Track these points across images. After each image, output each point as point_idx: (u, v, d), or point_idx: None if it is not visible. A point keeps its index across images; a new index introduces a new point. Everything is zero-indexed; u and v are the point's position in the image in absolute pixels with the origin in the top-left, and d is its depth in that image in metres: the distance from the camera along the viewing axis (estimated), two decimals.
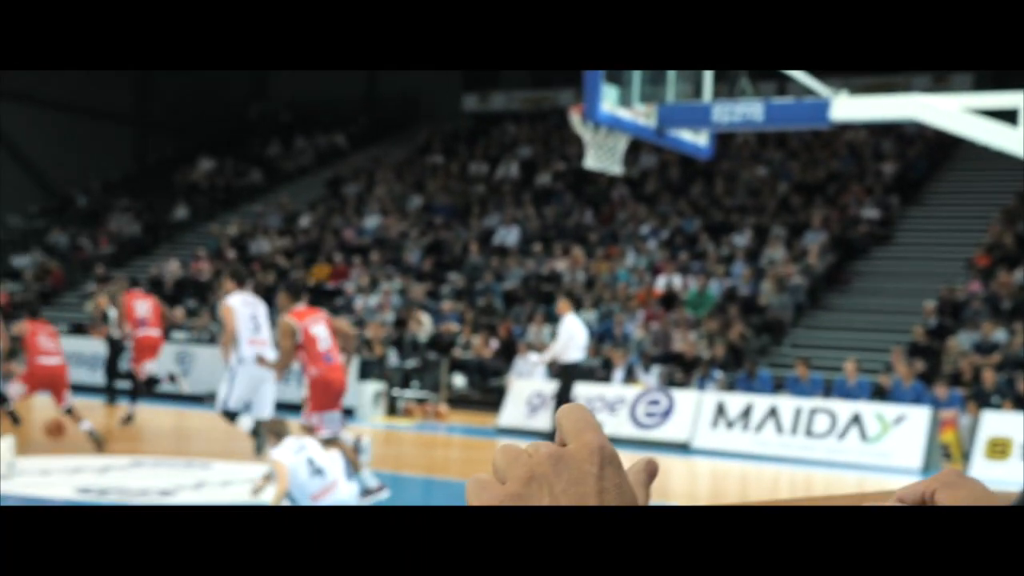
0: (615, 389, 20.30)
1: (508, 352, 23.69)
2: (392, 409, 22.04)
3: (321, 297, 28.01)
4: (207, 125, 43.65)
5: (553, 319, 24.45)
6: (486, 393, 23.25)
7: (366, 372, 22.02)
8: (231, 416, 13.01)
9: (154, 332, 17.93)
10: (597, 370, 22.43)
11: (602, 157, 15.02)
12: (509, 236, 29.59)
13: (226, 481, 12.20)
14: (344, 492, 9.70)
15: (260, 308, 13.24)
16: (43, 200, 40.93)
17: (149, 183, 41.14)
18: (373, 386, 21.74)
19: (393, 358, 23.32)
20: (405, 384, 22.76)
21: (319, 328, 11.68)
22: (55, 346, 14.87)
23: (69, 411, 14.92)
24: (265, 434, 9.78)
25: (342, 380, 11.69)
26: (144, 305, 17.76)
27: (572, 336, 17.89)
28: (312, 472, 9.48)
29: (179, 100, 43.52)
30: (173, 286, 30.20)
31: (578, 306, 24.87)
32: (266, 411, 13.08)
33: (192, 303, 28.64)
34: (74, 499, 10.65)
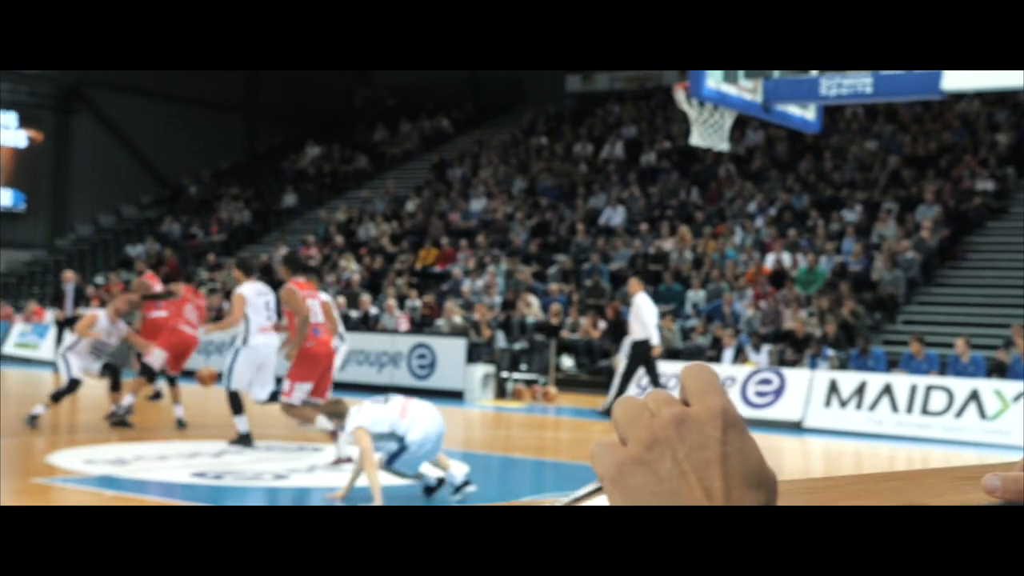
0: (725, 368, 20.14)
1: (616, 333, 23.58)
2: (501, 391, 22.11)
3: (429, 281, 28.18)
4: (314, 112, 44.13)
5: (662, 298, 24.36)
6: (595, 374, 23.20)
7: (474, 355, 22.11)
8: (235, 399, 13.28)
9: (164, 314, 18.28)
10: (706, 349, 22.27)
11: (708, 134, 14.89)
12: (615, 216, 29.48)
13: (338, 464, 12.31)
14: (422, 405, 9.89)
15: (271, 296, 13.62)
16: (155, 190, 41.71)
17: (258, 171, 41.72)
18: (482, 368, 21.83)
19: (501, 340, 23.38)
20: (514, 366, 22.79)
21: (312, 303, 12.42)
22: (196, 319, 15.34)
23: (172, 381, 15.18)
24: (328, 417, 10.05)
25: (329, 355, 12.58)
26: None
27: (651, 313, 18.58)
28: (384, 401, 9.80)
29: (286, 89, 44.05)
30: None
31: (685, 285, 24.71)
32: (266, 389, 13.41)
33: None
34: (189, 483, 10.82)
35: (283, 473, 11.50)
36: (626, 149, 33.59)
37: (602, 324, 24.35)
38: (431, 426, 9.74)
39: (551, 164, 33.89)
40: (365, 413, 9.64)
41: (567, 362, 23.74)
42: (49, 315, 26.37)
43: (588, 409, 19.85)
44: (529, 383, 22.46)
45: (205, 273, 31.05)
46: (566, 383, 23.12)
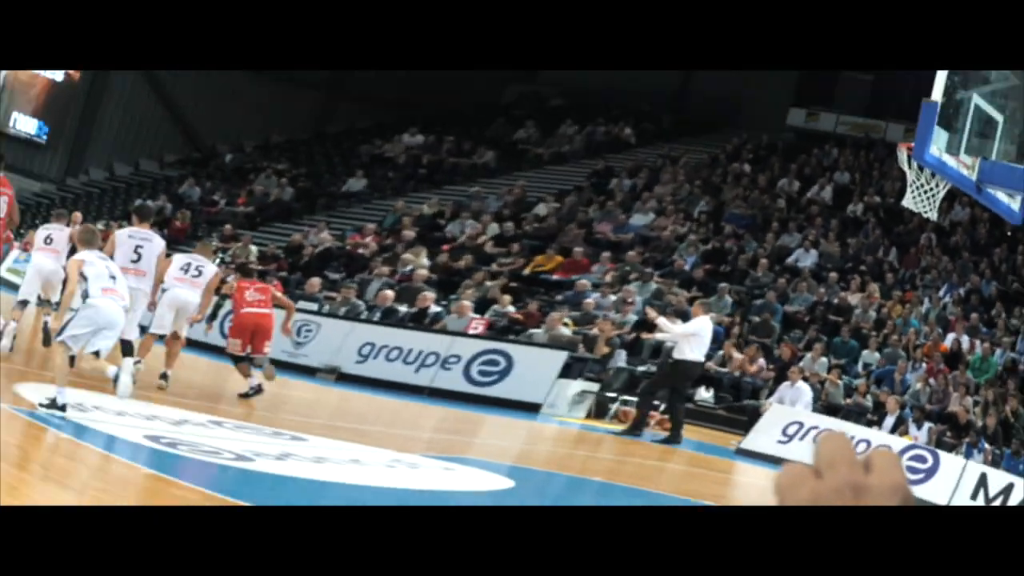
0: (882, 435, 19.84)
1: (780, 375, 22.98)
2: (600, 412, 21.10)
3: (536, 287, 27.64)
4: (429, 100, 42.51)
5: (836, 352, 23.85)
6: (733, 411, 22.66)
7: (574, 369, 21.16)
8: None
9: None
10: (868, 412, 21.87)
11: (921, 199, 14.81)
12: (806, 259, 28.90)
13: (319, 458, 11.29)
14: (115, 304, 10.70)
15: (149, 246, 14.23)
16: (184, 151, 41.70)
17: (322, 150, 41.03)
18: (579, 384, 20.90)
19: (621, 359, 22.78)
20: (630, 388, 21.92)
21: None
22: (264, 298, 15.65)
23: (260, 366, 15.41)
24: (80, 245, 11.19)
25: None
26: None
27: (697, 333, 18.76)
28: (109, 274, 10.77)
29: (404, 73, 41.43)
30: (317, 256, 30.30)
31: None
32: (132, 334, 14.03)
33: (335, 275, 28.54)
34: (141, 444, 10.08)
35: (246, 455, 10.41)
36: (834, 194, 32.89)
37: (761, 362, 23.78)
38: (113, 313, 10.58)
39: (748, 192, 33.21)
40: (91, 256, 10.78)
41: (704, 393, 23.08)
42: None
43: (713, 445, 19.42)
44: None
45: (218, 243, 29.89)
46: (699, 415, 22.31)
